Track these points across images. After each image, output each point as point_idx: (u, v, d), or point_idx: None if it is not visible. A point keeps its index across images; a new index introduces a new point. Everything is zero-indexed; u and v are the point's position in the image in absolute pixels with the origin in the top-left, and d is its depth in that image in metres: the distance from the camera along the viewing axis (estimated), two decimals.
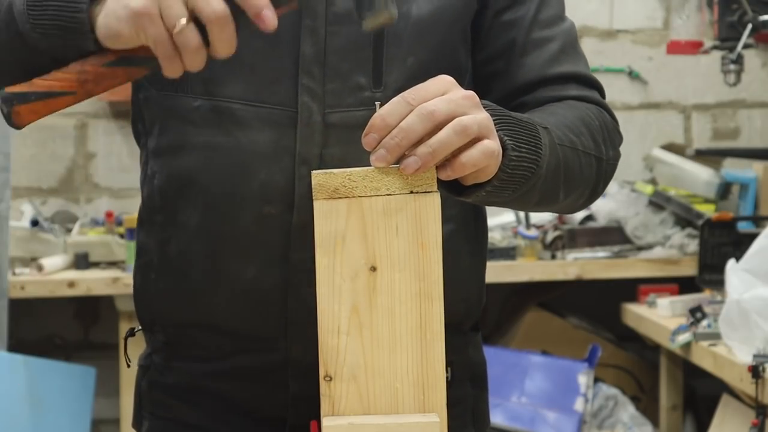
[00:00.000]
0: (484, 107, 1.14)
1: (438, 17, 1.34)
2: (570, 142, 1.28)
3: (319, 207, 1.08)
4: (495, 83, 1.39)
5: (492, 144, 1.11)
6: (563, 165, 1.26)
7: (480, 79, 1.41)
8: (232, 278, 1.33)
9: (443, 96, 1.10)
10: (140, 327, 1.44)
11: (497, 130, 1.14)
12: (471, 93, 1.12)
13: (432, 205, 1.07)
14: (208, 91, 1.31)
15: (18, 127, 1.19)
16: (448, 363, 1.12)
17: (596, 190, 1.37)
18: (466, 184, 1.16)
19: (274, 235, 1.31)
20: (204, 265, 1.34)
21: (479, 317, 1.46)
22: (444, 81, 1.12)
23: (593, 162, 1.33)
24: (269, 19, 1.09)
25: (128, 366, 1.48)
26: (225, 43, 1.10)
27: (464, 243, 1.38)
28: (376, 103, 1.13)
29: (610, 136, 1.38)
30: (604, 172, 1.37)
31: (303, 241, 1.29)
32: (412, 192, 1.07)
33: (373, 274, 1.07)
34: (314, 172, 1.09)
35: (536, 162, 1.19)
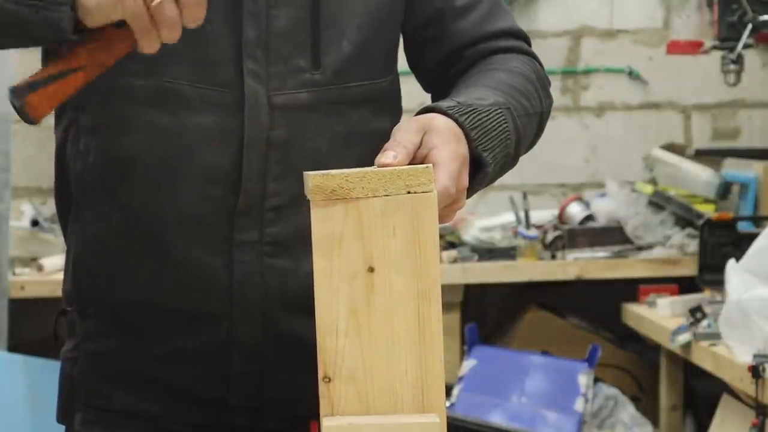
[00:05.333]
0: (462, 113, 1.22)
1: (370, 3, 1.38)
2: (524, 108, 1.36)
3: (317, 209, 1.08)
4: (429, 48, 1.47)
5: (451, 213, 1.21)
6: (522, 135, 1.34)
7: (413, 46, 1.49)
8: (174, 257, 1.34)
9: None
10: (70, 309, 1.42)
11: (477, 146, 1.23)
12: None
13: (429, 205, 1.07)
14: (152, 71, 1.30)
15: (34, 121, 1.13)
16: None
17: (536, 141, 1.46)
18: None
19: (218, 217, 1.33)
20: (144, 244, 1.34)
21: None
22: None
23: (537, 119, 1.41)
24: None
25: (56, 339, 1.46)
26: (197, 15, 1.12)
27: None
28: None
29: (544, 85, 1.47)
30: (544, 122, 1.45)
31: (249, 222, 1.33)
32: (409, 192, 1.07)
33: (371, 275, 1.07)
34: (311, 174, 1.08)
35: (507, 154, 1.30)
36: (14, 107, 1.12)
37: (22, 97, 1.12)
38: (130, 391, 1.39)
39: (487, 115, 1.26)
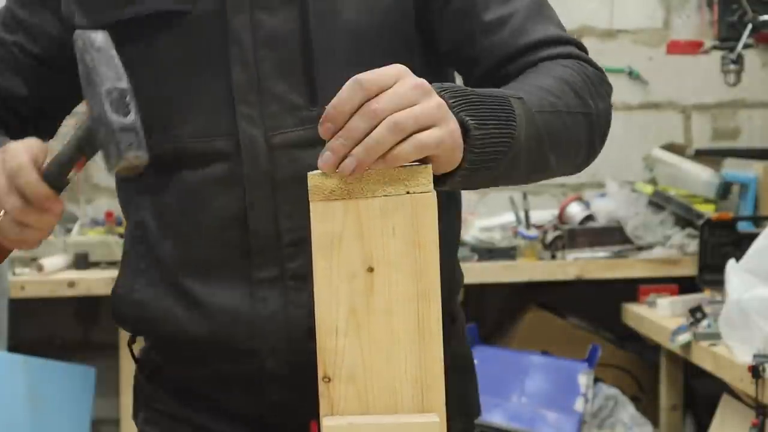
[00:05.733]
0: (442, 90, 1.09)
1: (370, 26, 1.34)
2: (550, 105, 1.24)
3: (316, 209, 1.08)
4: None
5: (429, 136, 1.04)
6: (545, 131, 1.22)
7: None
8: (200, 299, 1.37)
9: (390, 90, 1.03)
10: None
11: (459, 111, 1.09)
12: (421, 81, 1.05)
13: (428, 204, 1.07)
14: (169, 137, 1.36)
15: None
16: None
17: (593, 145, 1.34)
18: (437, 174, 1.09)
19: (236, 259, 1.36)
20: (173, 291, 1.39)
21: (453, 309, 1.50)
22: (397, 70, 1.05)
23: (581, 119, 1.30)
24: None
25: (139, 367, 1.54)
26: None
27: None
28: None
29: (596, 89, 1.35)
30: (597, 125, 1.33)
31: (266, 261, 1.35)
32: (408, 192, 1.07)
33: (371, 275, 1.07)
34: (310, 174, 1.08)
35: (509, 135, 1.14)
36: None
37: None
38: (182, 403, 1.45)
39: (473, 91, 1.14)
